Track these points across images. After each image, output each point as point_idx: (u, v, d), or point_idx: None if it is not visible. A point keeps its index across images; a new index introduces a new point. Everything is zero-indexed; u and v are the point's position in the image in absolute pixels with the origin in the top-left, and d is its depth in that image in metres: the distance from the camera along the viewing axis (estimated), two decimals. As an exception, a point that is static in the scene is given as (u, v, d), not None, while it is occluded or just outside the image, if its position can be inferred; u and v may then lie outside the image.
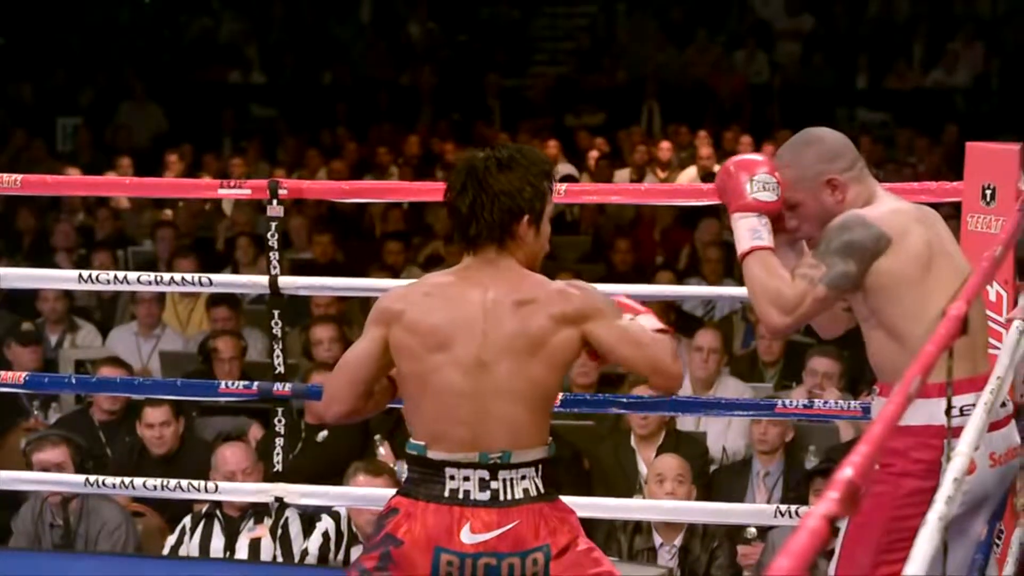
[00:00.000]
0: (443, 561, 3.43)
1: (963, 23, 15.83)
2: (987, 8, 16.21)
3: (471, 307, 3.48)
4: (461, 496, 3.45)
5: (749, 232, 3.68)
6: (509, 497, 3.45)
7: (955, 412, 3.51)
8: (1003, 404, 3.68)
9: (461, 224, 3.51)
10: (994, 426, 3.64)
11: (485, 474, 3.45)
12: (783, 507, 4.93)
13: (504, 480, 3.46)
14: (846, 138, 3.76)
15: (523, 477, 3.46)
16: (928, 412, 3.49)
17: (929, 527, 2.40)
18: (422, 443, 3.49)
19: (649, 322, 3.59)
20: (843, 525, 3.67)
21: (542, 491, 3.48)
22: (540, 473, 3.49)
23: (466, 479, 3.46)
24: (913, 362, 2.70)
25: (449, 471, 3.46)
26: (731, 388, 7.15)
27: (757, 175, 3.70)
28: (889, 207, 3.69)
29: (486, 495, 3.45)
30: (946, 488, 2.59)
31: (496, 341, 3.46)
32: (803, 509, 4.86)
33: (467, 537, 3.44)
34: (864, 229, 3.61)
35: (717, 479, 6.53)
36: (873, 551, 3.59)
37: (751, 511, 5.53)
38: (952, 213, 4.50)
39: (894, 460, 3.59)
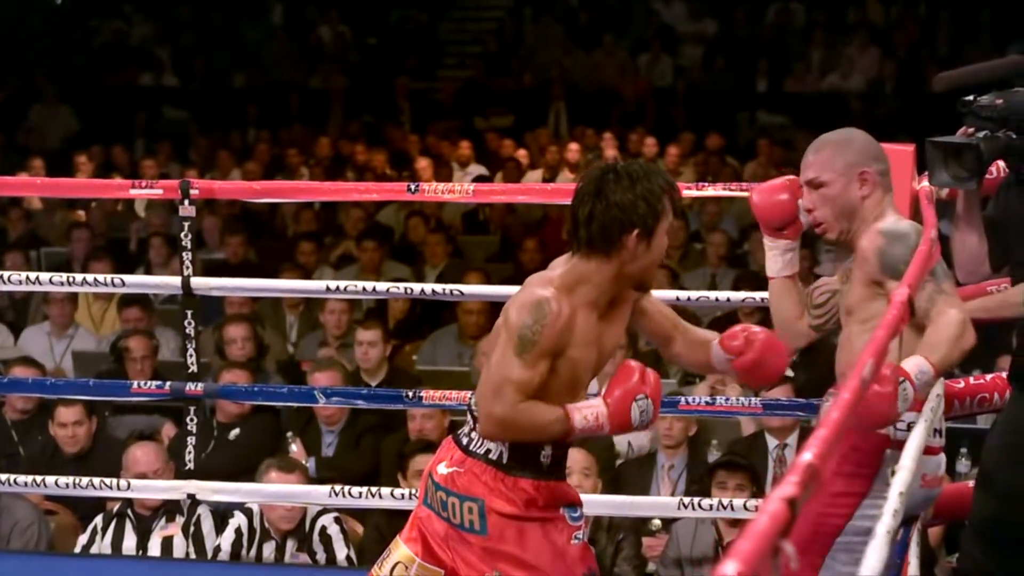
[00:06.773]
0: (429, 484, 3.74)
1: (857, 29, 16.05)
2: (880, 15, 16.42)
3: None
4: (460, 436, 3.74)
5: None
6: (472, 449, 3.68)
7: (902, 428, 3.63)
8: (938, 433, 3.83)
9: (574, 229, 3.62)
10: (930, 451, 3.77)
11: (471, 421, 3.70)
12: (686, 499, 5.05)
13: (479, 433, 3.67)
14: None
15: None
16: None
17: (879, 539, 2.46)
18: None
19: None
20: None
21: (504, 462, 3.65)
22: (508, 446, 3.65)
23: (467, 423, 3.73)
24: (865, 349, 2.75)
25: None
26: (637, 384, 7.19)
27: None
28: (897, 218, 3.88)
29: (464, 440, 3.70)
30: (892, 502, 2.64)
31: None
32: (706, 501, 5.00)
33: (441, 468, 3.71)
34: (917, 234, 3.76)
35: (623, 472, 6.59)
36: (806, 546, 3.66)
37: (656, 503, 5.60)
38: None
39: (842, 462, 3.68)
